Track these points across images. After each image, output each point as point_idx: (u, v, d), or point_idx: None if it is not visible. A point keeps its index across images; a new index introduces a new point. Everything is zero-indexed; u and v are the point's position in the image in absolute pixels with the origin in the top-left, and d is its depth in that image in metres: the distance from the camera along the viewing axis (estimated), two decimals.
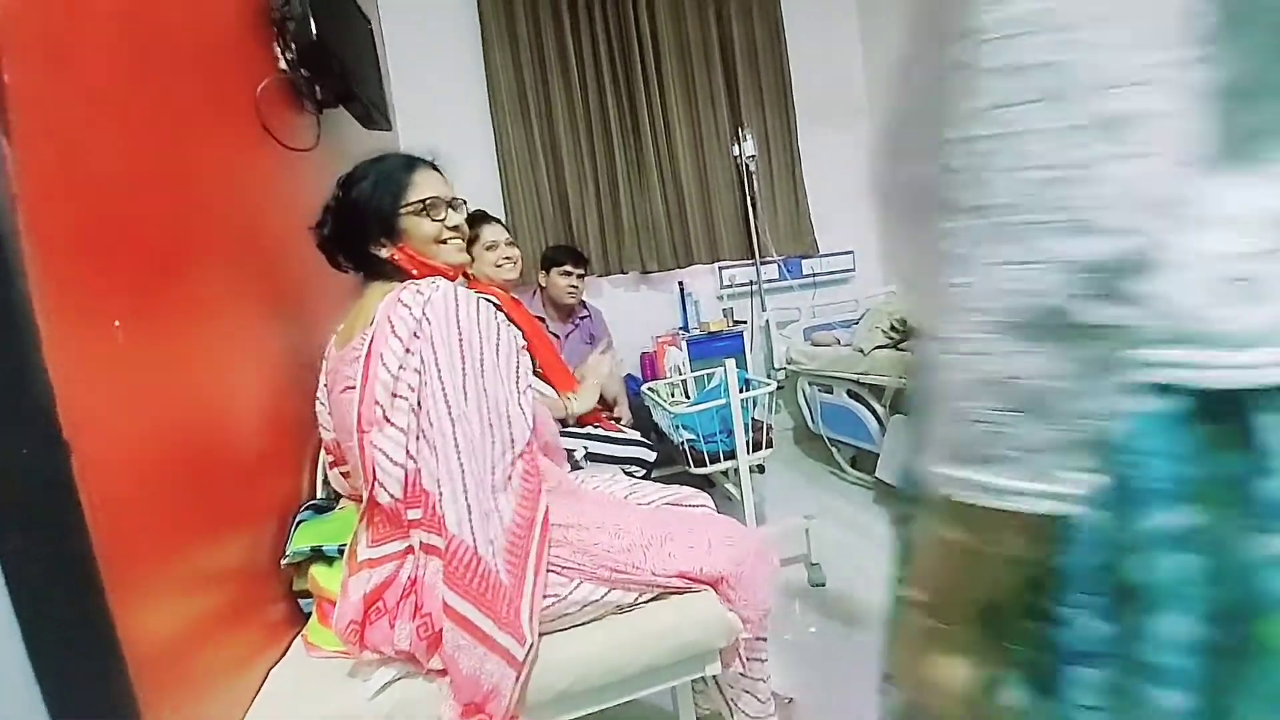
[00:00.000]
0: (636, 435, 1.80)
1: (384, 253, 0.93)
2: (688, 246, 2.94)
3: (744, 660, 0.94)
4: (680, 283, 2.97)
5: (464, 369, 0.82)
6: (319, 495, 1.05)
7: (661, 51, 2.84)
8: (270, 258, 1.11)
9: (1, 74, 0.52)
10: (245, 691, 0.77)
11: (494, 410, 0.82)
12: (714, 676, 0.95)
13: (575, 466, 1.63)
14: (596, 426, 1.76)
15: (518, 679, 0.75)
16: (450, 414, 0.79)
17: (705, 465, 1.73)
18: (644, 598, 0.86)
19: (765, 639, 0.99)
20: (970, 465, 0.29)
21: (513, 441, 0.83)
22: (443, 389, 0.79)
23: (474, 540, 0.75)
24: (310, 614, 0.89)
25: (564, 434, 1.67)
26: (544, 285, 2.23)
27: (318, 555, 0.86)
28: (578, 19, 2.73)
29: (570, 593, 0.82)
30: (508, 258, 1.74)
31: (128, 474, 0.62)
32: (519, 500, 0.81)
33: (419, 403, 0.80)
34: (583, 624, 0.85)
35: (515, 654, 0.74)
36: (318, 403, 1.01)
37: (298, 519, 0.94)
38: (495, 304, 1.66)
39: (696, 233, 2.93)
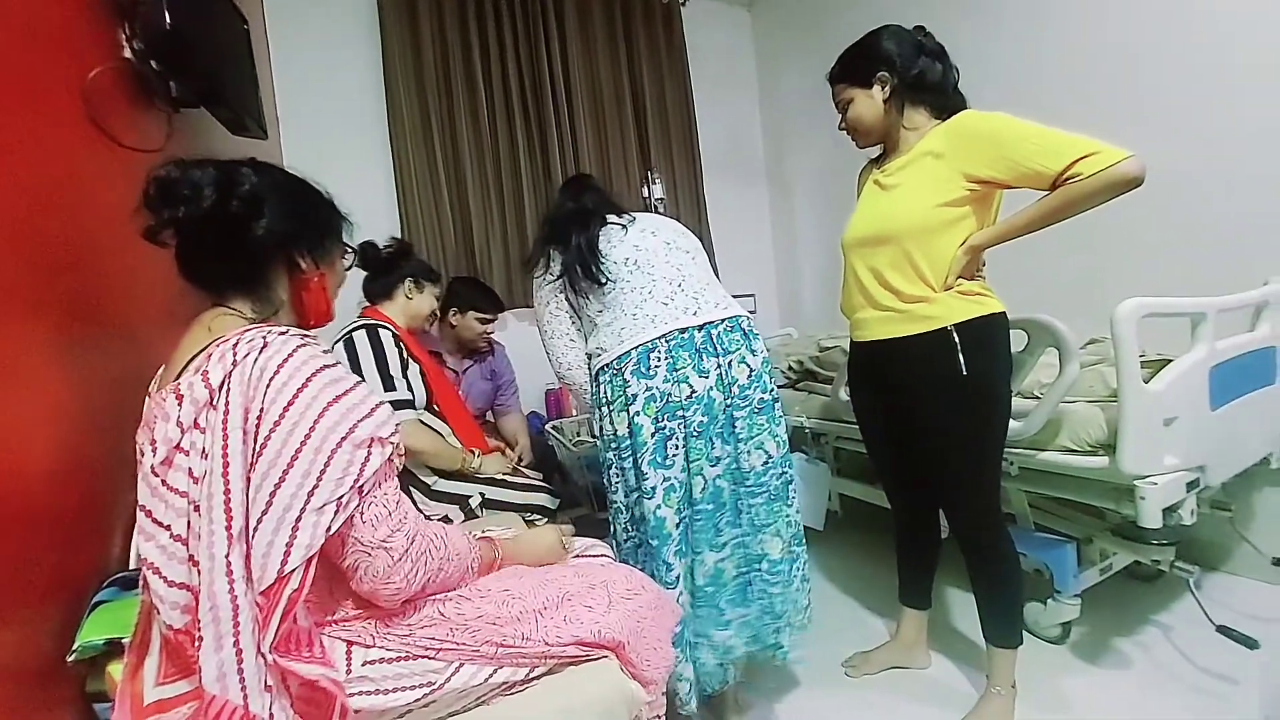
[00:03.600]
0: (538, 479, 1.70)
1: (303, 264, 0.76)
2: None
3: None
4: None
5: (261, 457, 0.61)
6: (131, 566, 0.84)
7: (573, 91, 2.85)
8: (90, 267, 0.92)
9: None
10: None
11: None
12: None
13: (470, 515, 1.50)
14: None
15: None
16: (230, 528, 0.59)
17: None
18: (537, 671, 0.76)
19: (662, 716, 0.91)
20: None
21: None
22: (225, 488, 0.60)
23: (244, 696, 0.58)
24: None
25: (460, 479, 1.54)
26: (453, 324, 2.08)
27: (116, 648, 0.68)
28: (488, 50, 2.69)
29: (447, 680, 0.70)
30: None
31: None
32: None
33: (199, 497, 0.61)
34: (460, 712, 0.73)
35: None
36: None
37: (95, 599, 0.74)
38: (394, 333, 1.54)
39: None
